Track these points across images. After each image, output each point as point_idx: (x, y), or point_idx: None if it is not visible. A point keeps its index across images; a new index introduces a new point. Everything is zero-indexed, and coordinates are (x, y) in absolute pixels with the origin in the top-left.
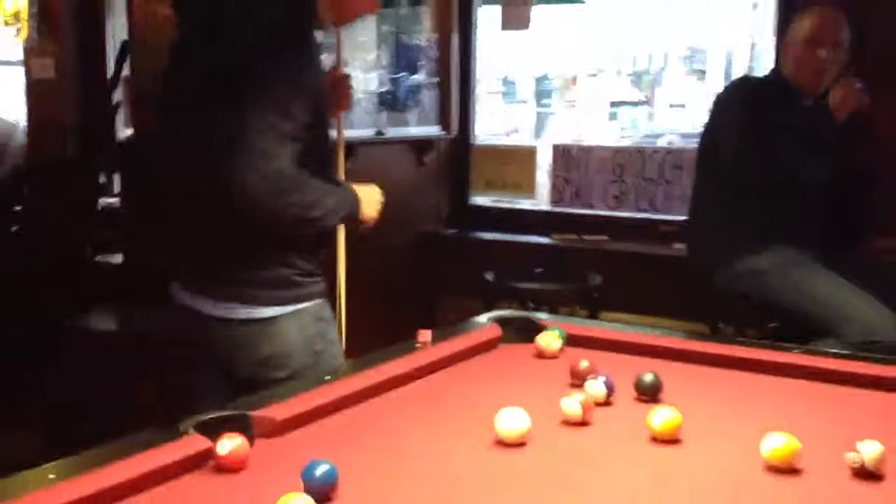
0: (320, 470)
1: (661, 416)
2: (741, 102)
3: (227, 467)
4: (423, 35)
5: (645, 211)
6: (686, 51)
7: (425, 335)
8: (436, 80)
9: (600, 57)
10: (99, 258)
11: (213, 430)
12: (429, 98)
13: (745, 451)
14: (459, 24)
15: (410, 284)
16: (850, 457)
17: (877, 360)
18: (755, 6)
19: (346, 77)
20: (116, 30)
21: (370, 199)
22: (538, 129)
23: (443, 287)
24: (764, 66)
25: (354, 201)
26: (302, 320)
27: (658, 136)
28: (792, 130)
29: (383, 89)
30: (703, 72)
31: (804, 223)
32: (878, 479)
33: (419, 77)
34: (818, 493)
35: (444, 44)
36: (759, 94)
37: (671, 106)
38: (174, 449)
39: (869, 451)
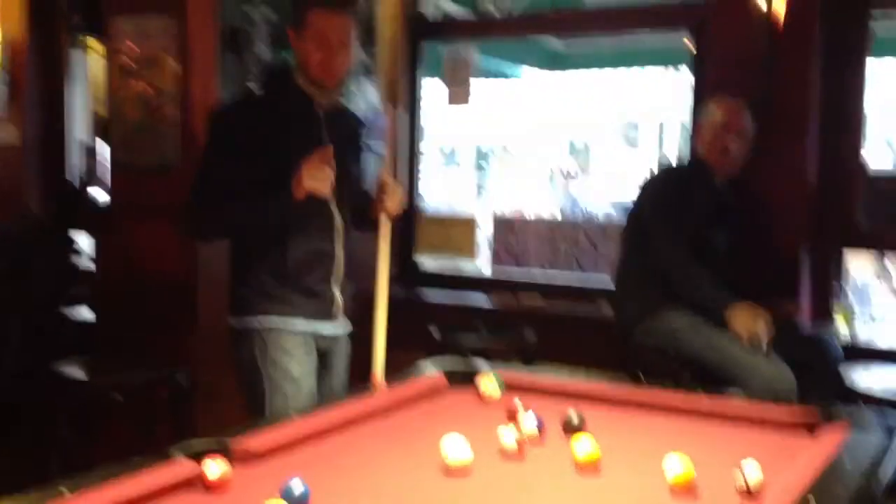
0: (297, 488)
1: (584, 449)
2: (663, 191)
3: (214, 487)
4: (361, 105)
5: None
6: (620, 124)
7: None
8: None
9: (538, 128)
10: (67, 312)
11: (198, 456)
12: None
13: (653, 477)
14: (407, 98)
15: (363, 339)
16: (736, 473)
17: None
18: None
19: (387, 184)
20: (78, 100)
21: (311, 173)
22: (476, 195)
23: (390, 341)
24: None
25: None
26: (252, 338)
27: (590, 204)
28: (704, 207)
29: None
30: (636, 144)
31: None
32: (756, 494)
33: None
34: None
35: (392, 117)
36: (679, 182)
37: (605, 175)
38: (167, 471)
39: (749, 469)
